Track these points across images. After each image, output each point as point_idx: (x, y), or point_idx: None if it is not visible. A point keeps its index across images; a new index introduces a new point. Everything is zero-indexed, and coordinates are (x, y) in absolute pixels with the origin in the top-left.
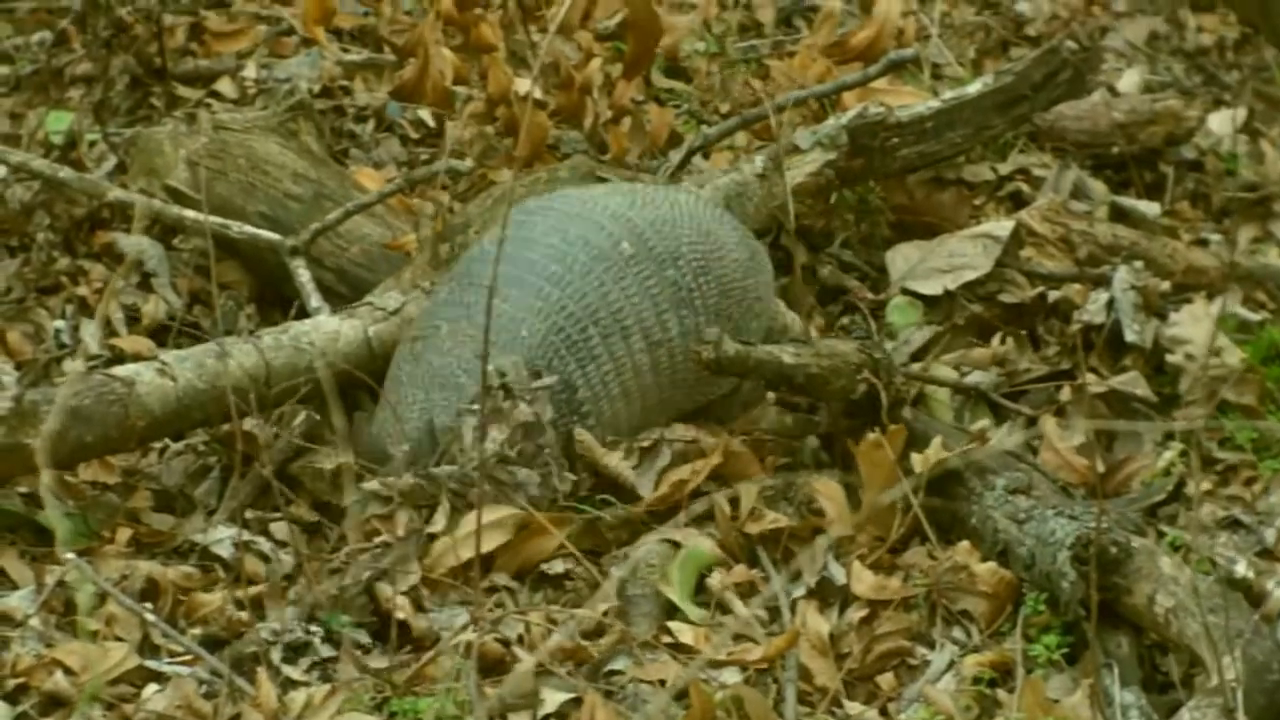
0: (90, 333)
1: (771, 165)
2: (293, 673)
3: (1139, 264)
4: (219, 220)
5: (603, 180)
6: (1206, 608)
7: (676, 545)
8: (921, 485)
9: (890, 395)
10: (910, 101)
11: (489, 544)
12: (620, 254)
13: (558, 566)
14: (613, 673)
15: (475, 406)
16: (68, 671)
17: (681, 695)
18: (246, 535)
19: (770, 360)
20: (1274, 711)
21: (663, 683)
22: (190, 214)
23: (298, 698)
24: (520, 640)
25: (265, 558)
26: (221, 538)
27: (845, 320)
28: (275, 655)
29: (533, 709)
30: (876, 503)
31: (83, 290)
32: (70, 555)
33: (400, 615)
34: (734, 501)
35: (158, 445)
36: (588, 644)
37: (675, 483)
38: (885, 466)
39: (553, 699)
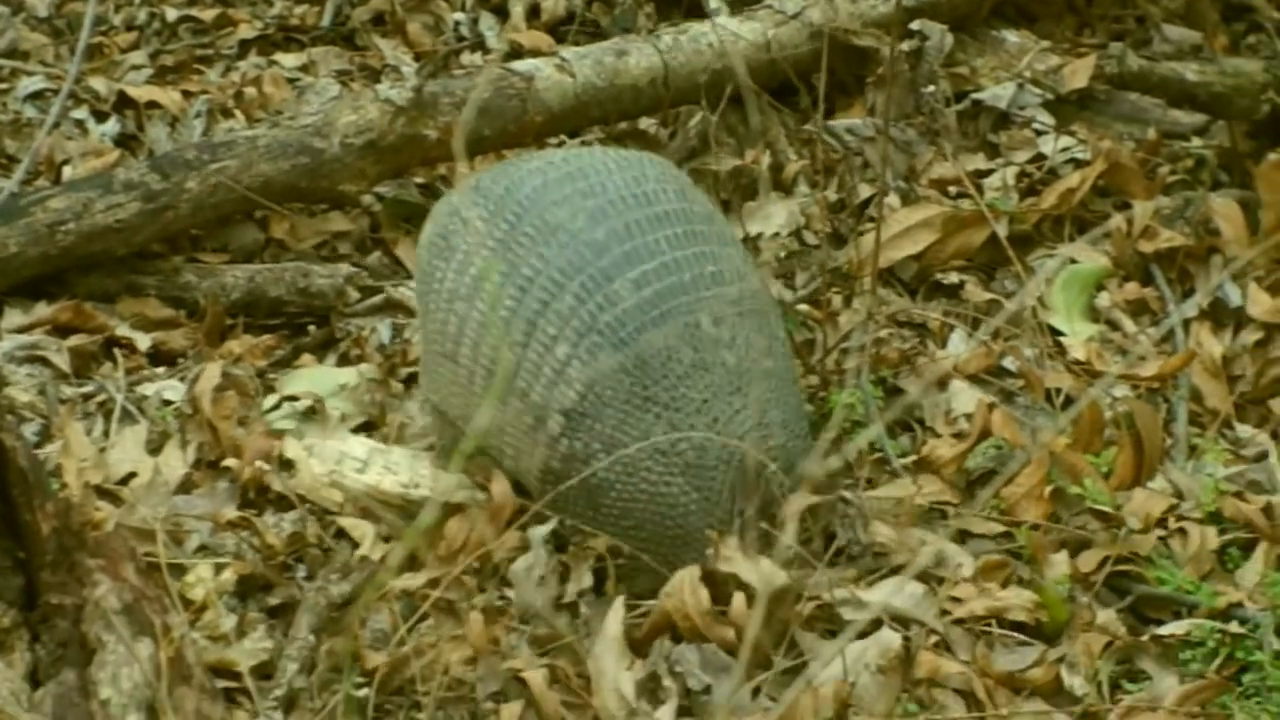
0: (489, 26)
1: None
2: None
3: None
4: None
5: None
6: None
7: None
8: None
9: None
10: None
11: (919, 243)
12: None
13: (952, 277)
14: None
15: None
16: None
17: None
18: None
19: (1173, 77)
20: None
21: (1057, 392)
22: None
23: None
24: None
25: None
26: None
27: (1250, 39)
28: None
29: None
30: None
31: None
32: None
33: None
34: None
35: (554, 141)
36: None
37: (1063, 192)
38: None
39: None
